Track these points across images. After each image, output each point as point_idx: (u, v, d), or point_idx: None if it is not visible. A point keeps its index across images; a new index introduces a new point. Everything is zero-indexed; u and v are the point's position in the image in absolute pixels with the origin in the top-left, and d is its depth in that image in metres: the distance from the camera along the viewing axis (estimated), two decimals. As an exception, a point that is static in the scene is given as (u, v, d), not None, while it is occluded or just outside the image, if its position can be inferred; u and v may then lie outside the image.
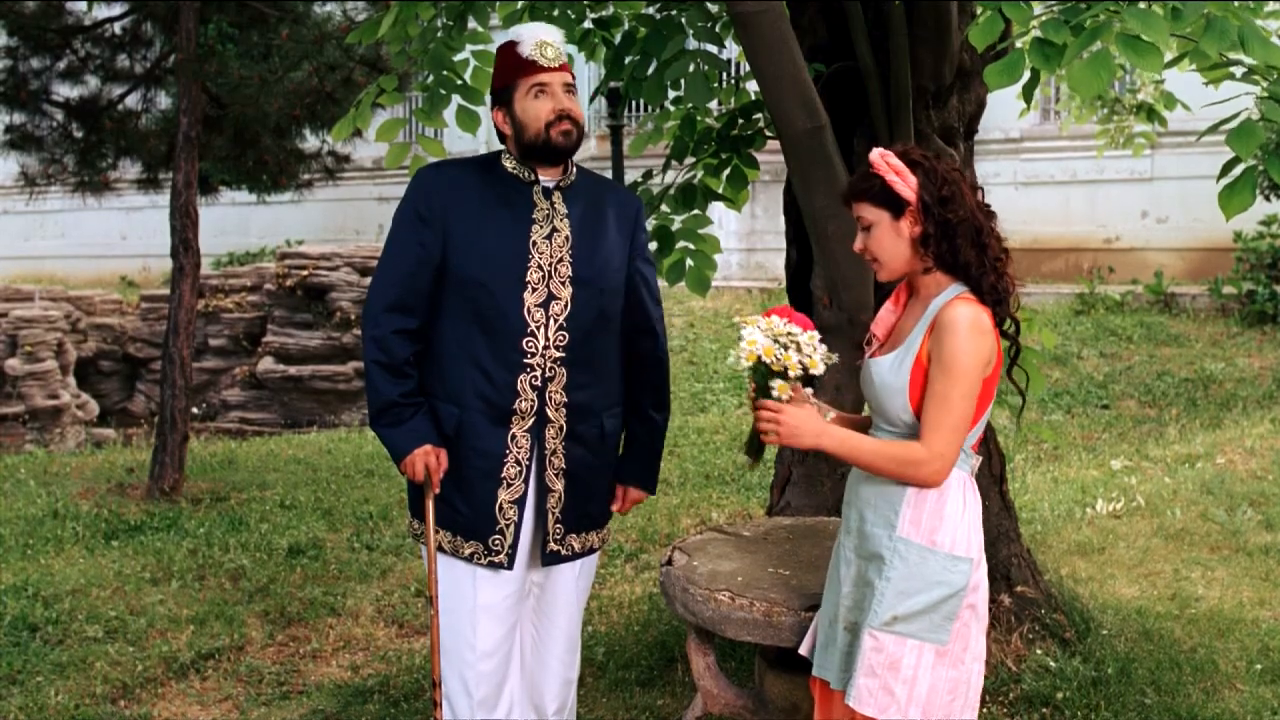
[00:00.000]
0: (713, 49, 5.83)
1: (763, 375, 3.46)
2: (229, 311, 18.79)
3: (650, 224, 6.48)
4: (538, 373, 4.09)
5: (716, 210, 7.77)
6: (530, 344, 4.07)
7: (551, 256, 4.11)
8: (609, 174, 20.46)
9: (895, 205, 3.54)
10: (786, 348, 3.41)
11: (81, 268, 28.56)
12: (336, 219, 26.58)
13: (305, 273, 18.01)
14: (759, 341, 3.41)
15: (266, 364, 17.85)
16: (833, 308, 5.82)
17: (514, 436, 4.11)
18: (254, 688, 6.29)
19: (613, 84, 12.15)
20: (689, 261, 6.44)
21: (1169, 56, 4.36)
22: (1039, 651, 5.81)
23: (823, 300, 5.92)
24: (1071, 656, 5.79)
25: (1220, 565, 7.78)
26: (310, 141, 11.94)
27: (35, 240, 30.26)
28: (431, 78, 6.59)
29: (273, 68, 9.96)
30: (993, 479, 6.15)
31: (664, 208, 6.46)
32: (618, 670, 6.12)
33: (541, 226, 4.12)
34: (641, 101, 19.84)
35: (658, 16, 6.10)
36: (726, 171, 6.50)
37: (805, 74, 5.30)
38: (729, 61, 6.49)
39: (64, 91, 11.42)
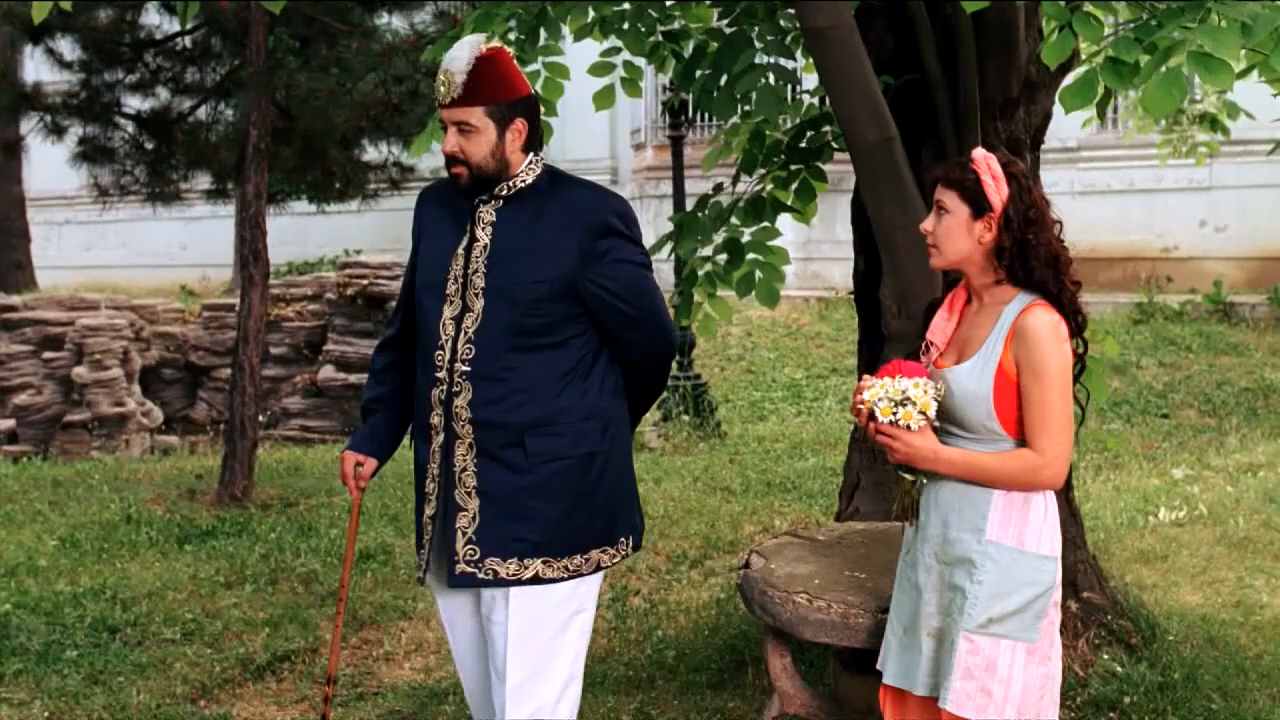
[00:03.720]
0: (785, 63, 5.94)
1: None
2: (290, 320, 18.97)
3: (720, 236, 6.58)
4: (444, 387, 4.02)
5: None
6: (440, 357, 4.04)
7: (468, 268, 4.06)
8: (668, 186, 20.56)
9: (979, 205, 3.65)
10: (902, 404, 3.58)
11: (142, 277, 28.82)
12: (393, 228, 26.71)
13: (365, 282, 18.17)
14: (877, 404, 3.61)
15: (327, 372, 18.03)
16: (901, 316, 5.90)
17: (434, 452, 4.07)
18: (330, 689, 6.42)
19: (672, 95, 12.26)
20: (758, 273, 6.55)
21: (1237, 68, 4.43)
22: (1105, 657, 5.87)
23: (890, 309, 6.01)
24: (1138, 662, 5.84)
25: (1284, 573, 7.83)
26: (373, 152, 12.11)
27: (96, 250, 30.58)
28: (503, 90, 6.71)
29: (341, 80, 10.12)
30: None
31: (734, 220, 6.56)
32: (688, 673, 6.22)
33: (465, 238, 4.09)
34: (700, 113, 19.84)
35: (728, 30, 6.20)
36: (795, 184, 6.58)
37: (875, 87, 5.40)
38: (797, 74, 6.56)
39: (134, 104, 11.62)
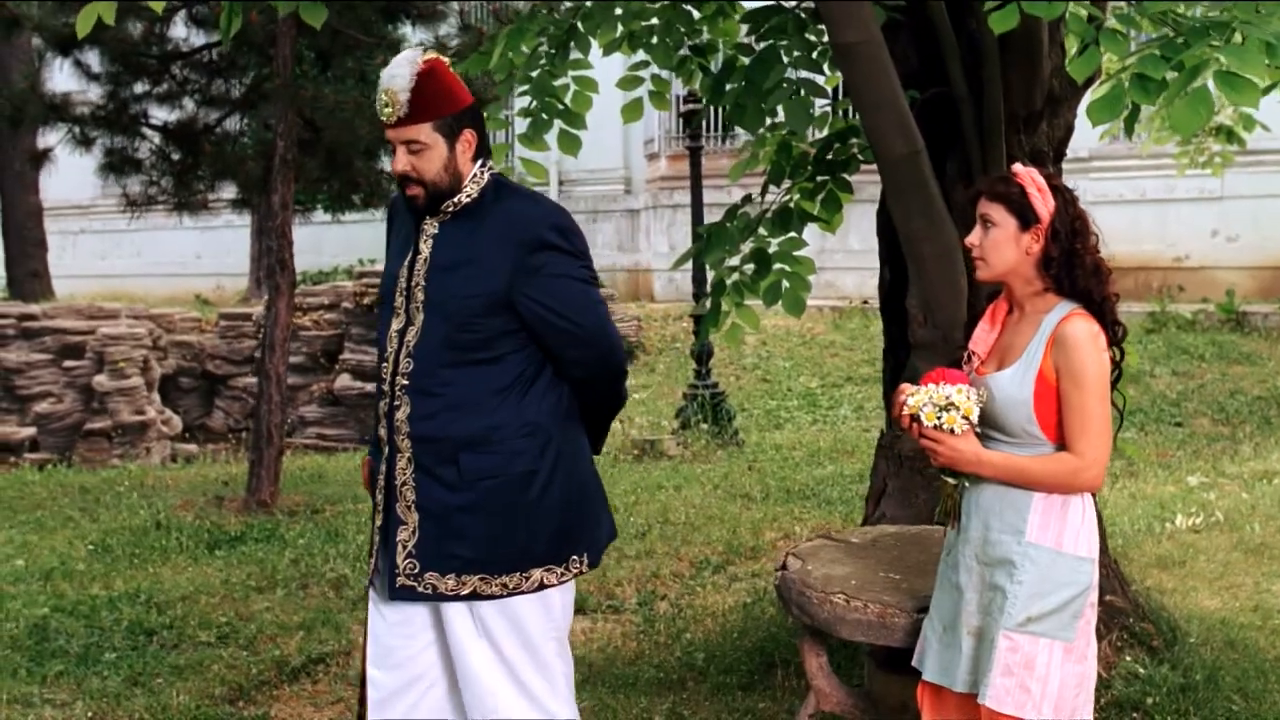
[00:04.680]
0: (815, 78, 6.08)
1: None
2: (307, 329, 19.10)
3: (748, 247, 6.71)
4: (387, 400, 4.03)
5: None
6: (385, 370, 4.04)
7: (410, 281, 4.04)
8: (686, 194, 20.68)
9: (1026, 217, 3.77)
10: (946, 409, 3.71)
11: (156, 286, 28.95)
12: (408, 238, 26.90)
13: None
14: (922, 410, 3.74)
15: (344, 381, 18.16)
16: (927, 325, 6.04)
17: (384, 465, 4.07)
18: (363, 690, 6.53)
19: (690, 106, 12.38)
20: (785, 283, 6.68)
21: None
22: (1128, 659, 5.99)
23: (917, 318, 6.14)
24: (1160, 664, 5.95)
25: (1301, 579, 7.94)
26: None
27: (111, 259, 30.74)
28: (535, 103, 6.86)
29: (365, 92, 10.26)
30: (1080, 492, 6.34)
31: (761, 230, 6.68)
32: (718, 675, 6.33)
33: (411, 251, 4.07)
34: (719, 122, 19.89)
35: (757, 45, 6.33)
36: (821, 195, 6.71)
37: (903, 101, 5.53)
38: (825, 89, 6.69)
39: (161, 116, 11.77)
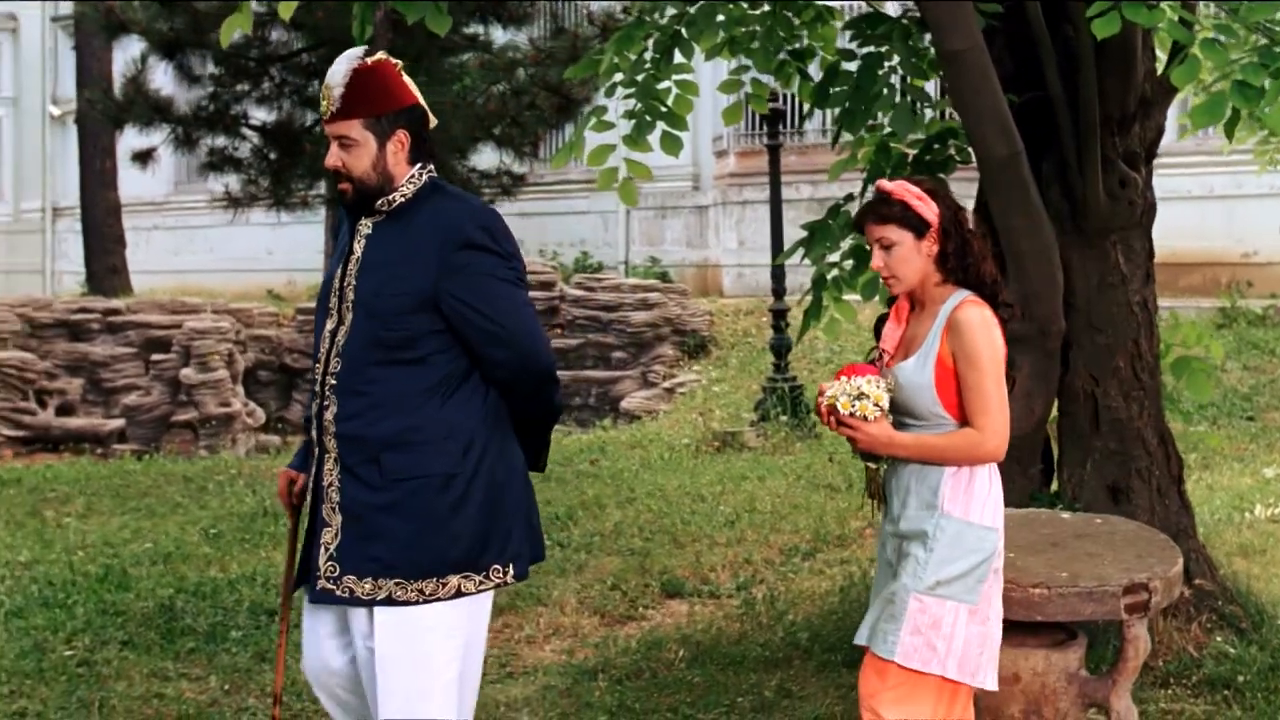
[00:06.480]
0: (922, 83, 6.36)
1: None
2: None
3: (847, 243, 6.97)
4: (317, 401, 4.03)
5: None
6: (317, 369, 4.05)
7: (343, 281, 4.04)
8: (751, 192, 20.91)
9: (918, 227, 4.09)
10: (859, 398, 4.05)
11: (228, 282, 29.26)
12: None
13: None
14: (838, 400, 4.07)
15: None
16: (1025, 320, 6.27)
17: (314, 467, 4.08)
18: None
19: (773, 106, 12.61)
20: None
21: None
22: (1218, 639, 6.24)
23: (1014, 313, 6.38)
24: (1249, 644, 6.20)
25: (1381, 566, 8.15)
26: (486, 160, 12.56)
27: (185, 255, 31.16)
28: (639, 105, 7.13)
29: (461, 91, 10.57)
30: (1172, 479, 6.60)
31: (862, 228, 6.94)
32: (822, 653, 6.61)
33: (347, 251, 4.09)
34: (791, 120, 20.05)
35: (859, 51, 6.60)
36: (919, 195, 6.96)
37: (1004, 105, 5.81)
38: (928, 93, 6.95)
39: (260, 116, 12.13)
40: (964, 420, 4.08)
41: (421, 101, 4.14)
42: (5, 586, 8.15)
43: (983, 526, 4.09)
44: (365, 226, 4.07)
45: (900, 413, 4.15)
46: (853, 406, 4.04)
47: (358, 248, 4.05)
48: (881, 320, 4.34)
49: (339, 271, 4.08)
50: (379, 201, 4.04)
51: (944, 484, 4.09)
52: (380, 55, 4.04)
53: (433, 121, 4.18)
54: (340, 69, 3.95)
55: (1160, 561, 4.79)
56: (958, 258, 4.10)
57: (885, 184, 4.19)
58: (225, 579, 8.25)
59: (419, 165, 4.08)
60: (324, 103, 3.97)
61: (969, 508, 4.08)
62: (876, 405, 4.04)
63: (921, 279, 4.14)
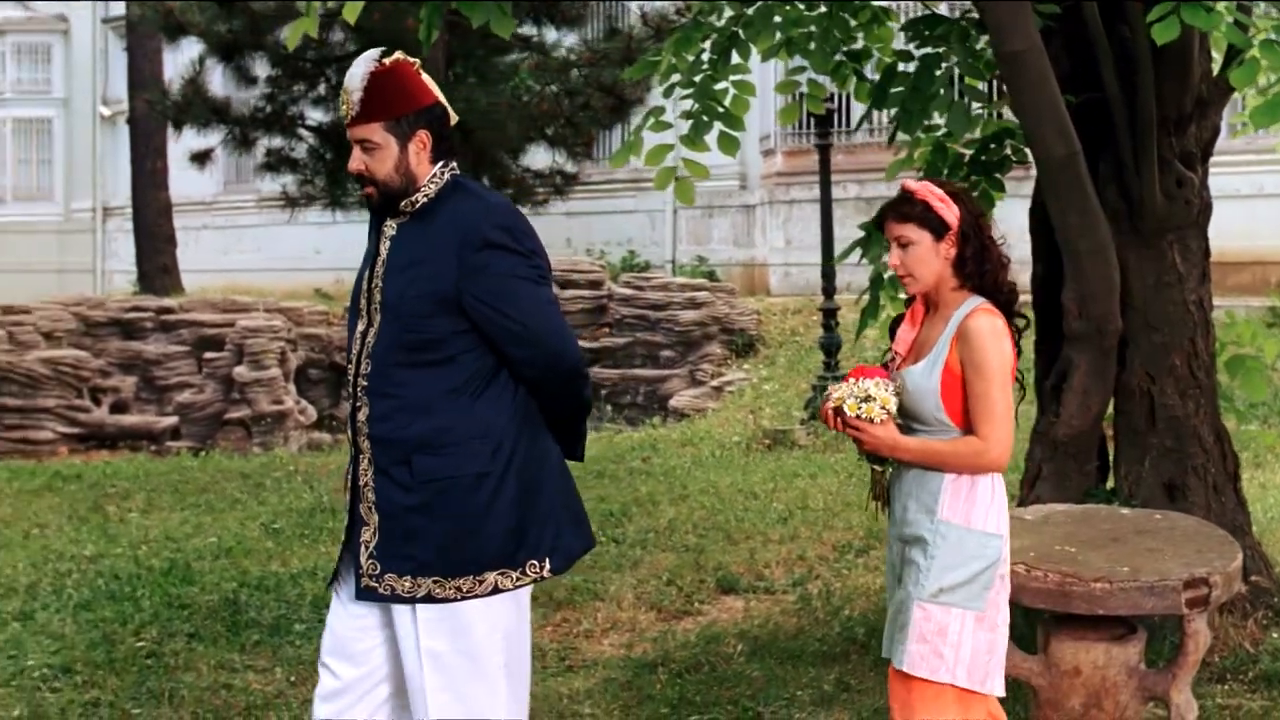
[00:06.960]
0: (978, 85, 6.42)
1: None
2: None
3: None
4: (350, 402, 4.06)
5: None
6: (350, 371, 4.07)
7: (370, 283, 4.06)
8: (799, 191, 20.97)
9: (938, 228, 4.10)
10: (866, 400, 4.07)
11: (276, 281, 29.45)
12: (548, 231, 27.24)
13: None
14: (845, 402, 4.10)
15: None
16: (1082, 318, 6.34)
17: (350, 466, 4.11)
18: (538, 661, 6.87)
19: (828, 106, 12.67)
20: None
21: None
22: (1274, 635, 6.28)
23: (1072, 311, 6.43)
24: (1306, 641, 6.25)
25: None
26: (540, 160, 12.65)
27: (233, 254, 31.45)
28: (697, 106, 7.22)
29: (515, 92, 10.68)
30: (1228, 477, 6.66)
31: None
32: (879, 648, 6.66)
33: (374, 253, 4.10)
34: (840, 120, 20.10)
35: (916, 52, 6.67)
36: (975, 194, 7.02)
37: (1062, 105, 5.87)
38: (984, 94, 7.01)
39: (316, 118, 12.27)
40: (968, 428, 4.08)
41: (442, 99, 4.13)
42: (73, 580, 8.30)
43: (985, 533, 4.08)
44: (390, 228, 4.08)
45: (906, 417, 4.15)
46: (859, 408, 4.07)
47: (383, 249, 4.07)
48: (897, 321, 4.38)
49: (367, 273, 4.10)
50: (403, 202, 4.04)
51: (944, 490, 4.09)
52: (397, 55, 4.04)
53: (453, 118, 4.16)
54: (358, 72, 3.96)
55: (1220, 557, 4.84)
56: (975, 263, 4.11)
57: (910, 183, 4.22)
58: (287, 573, 8.37)
59: (441, 164, 4.05)
60: (344, 107, 3.98)
61: (970, 514, 4.08)
62: (883, 408, 4.07)
63: (937, 281, 4.15)
